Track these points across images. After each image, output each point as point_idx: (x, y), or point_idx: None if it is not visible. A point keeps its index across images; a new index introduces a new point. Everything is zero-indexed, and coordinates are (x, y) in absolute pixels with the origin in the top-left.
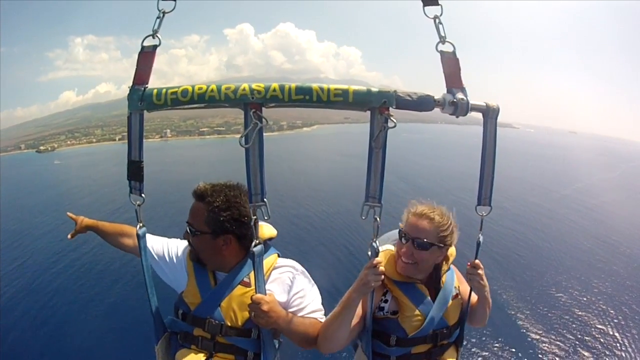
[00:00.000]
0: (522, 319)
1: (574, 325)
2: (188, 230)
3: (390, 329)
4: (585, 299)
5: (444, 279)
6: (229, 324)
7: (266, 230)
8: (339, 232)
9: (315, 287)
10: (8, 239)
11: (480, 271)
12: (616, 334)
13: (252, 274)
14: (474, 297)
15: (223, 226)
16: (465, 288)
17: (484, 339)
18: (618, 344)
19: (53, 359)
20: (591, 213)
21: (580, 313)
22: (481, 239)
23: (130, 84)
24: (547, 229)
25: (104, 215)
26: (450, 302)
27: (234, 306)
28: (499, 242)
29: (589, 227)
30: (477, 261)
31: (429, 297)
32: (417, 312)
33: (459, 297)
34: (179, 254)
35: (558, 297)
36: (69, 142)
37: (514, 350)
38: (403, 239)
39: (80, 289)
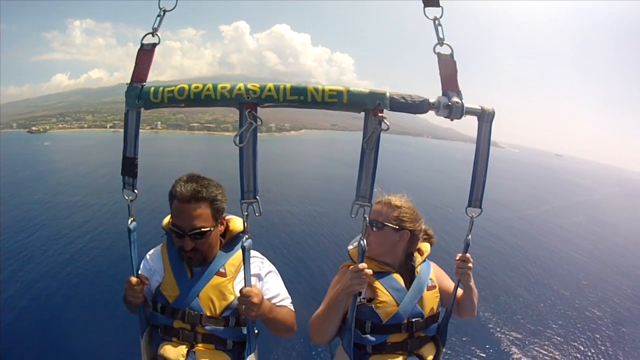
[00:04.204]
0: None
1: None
2: (199, 235)
3: (365, 316)
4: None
5: (418, 269)
6: (208, 314)
7: (237, 222)
8: (323, 230)
9: (279, 274)
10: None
11: (470, 264)
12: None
13: (227, 265)
14: (459, 292)
15: (221, 209)
16: (446, 284)
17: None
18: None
19: (49, 346)
20: (558, 231)
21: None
22: (470, 240)
23: (122, 73)
24: (512, 243)
25: (87, 198)
26: (425, 291)
27: (212, 296)
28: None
29: (554, 244)
30: (468, 255)
31: (404, 285)
32: (390, 298)
33: (436, 289)
34: (152, 259)
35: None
36: (60, 125)
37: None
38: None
39: (73, 284)
